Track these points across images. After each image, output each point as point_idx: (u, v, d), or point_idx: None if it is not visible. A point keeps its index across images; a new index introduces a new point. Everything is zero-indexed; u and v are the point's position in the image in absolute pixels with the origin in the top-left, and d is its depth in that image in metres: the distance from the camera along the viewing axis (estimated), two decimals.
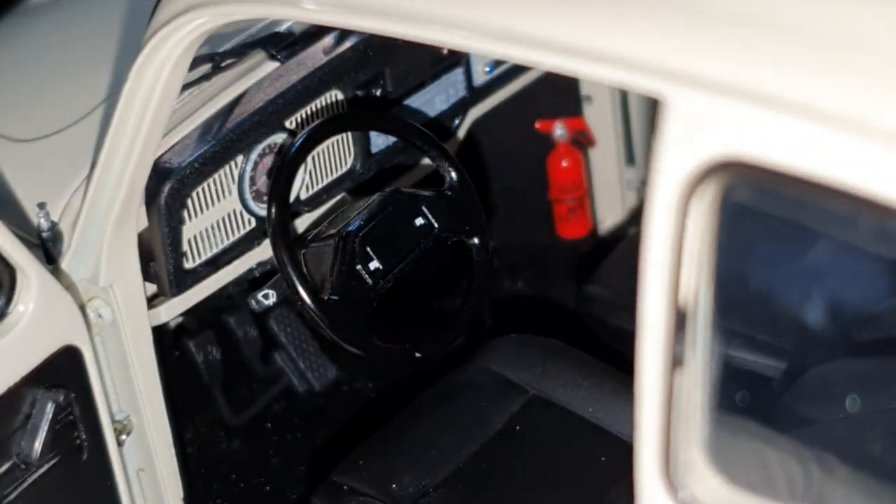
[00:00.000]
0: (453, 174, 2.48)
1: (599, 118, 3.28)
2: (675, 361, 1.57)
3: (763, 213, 1.51)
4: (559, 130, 3.25)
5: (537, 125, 3.25)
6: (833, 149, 1.41)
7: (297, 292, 2.29)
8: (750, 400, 1.59)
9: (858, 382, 1.54)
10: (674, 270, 1.54)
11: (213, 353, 2.83)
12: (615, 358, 2.64)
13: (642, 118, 3.37)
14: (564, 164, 3.29)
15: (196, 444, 2.66)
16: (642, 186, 3.41)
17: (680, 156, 1.51)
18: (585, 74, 1.57)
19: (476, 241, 2.51)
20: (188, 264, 2.39)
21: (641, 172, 3.40)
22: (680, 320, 1.56)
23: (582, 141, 3.30)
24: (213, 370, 2.82)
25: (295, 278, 2.29)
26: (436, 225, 2.45)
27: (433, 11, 1.68)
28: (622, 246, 2.95)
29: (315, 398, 2.93)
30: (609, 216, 3.41)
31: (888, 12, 1.42)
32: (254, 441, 2.81)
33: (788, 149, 1.44)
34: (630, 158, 3.39)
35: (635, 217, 3.38)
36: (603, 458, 2.39)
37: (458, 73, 2.77)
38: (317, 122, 2.38)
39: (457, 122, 2.82)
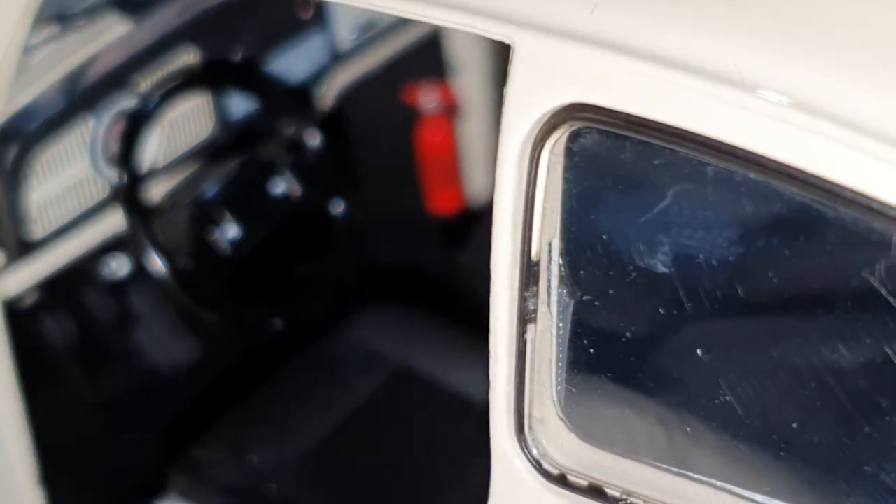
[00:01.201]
0: (317, 140, 2.43)
1: (469, 88, 3.24)
2: (528, 317, 1.54)
3: (611, 161, 1.49)
4: (427, 100, 3.21)
5: (405, 95, 3.20)
6: (678, 95, 1.39)
7: (150, 258, 2.22)
8: (602, 356, 1.56)
9: (710, 337, 1.52)
10: (524, 223, 1.51)
11: (69, 328, 2.74)
12: (483, 329, 2.61)
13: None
14: (433, 135, 3.24)
15: (51, 421, 2.57)
16: None
17: (528, 102, 1.49)
18: (435, 19, 1.53)
19: (338, 207, 2.46)
20: (37, 233, 2.30)
21: None
22: (531, 275, 1.53)
23: (451, 111, 3.26)
24: (69, 345, 2.73)
25: (147, 243, 2.22)
26: (298, 192, 2.40)
27: None
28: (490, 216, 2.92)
29: (175, 371, 2.84)
30: (480, 185, 3.38)
31: None
32: (112, 416, 2.72)
33: (635, 94, 1.42)
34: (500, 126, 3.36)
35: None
36: (467, 429, 2.36)
37: (319, 39, 2.71)
38: (169, 83, 2.31)
39: (322, 89, 2.76)
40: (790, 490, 1.48)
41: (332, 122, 2.70)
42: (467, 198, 3.38)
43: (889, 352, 1.39)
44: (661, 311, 1.54)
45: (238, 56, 2.53)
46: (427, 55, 2.95)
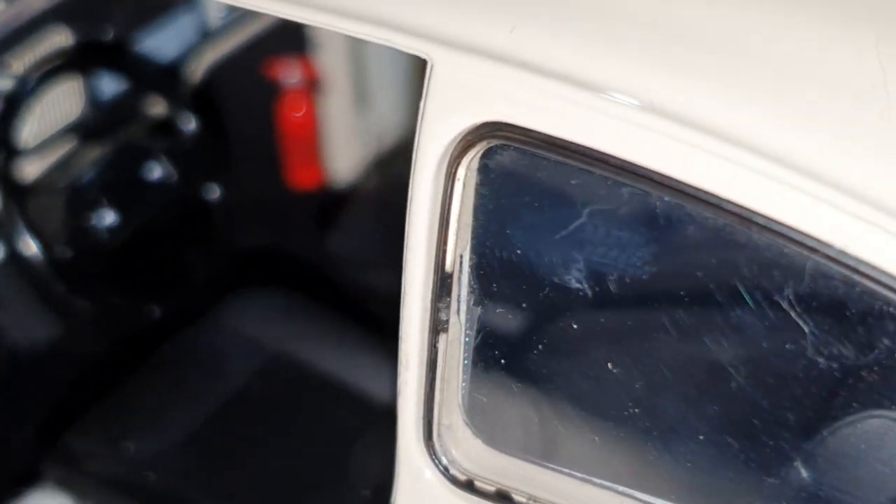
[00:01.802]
0: (192, 124, 2.40)
1: (332, 63, 3.23)
2: (440, 327, 1.57)
3: (521, 178, 1.52)
4: (288, 76, 3.19)
5: (266, 70, 3.17)
6: (589, 116, 1.43)
7: (26, 247, 2.17)
8: (507, 363, 1.60)
9: (613, 346, 1.58)
10: (439, 236, 1.53)
11: None
12: (355, 313, 2.63)
13: (378, 63, 3.34)
14: (294, 111, 3.22)
15: None
16: (374, 135, 3.40)
17: (444, 119, 1.51)
18: (352, 32, 1.53)
19: (215, 193, 2.44)
20: None
21: (375, 120, 3.38)
22: (445, 286, 1.55)
23: (313, 87, 3.24)
24: None
25: (24, 231, 2.17)
26: (174, 177, 2.37)
27: None
28: (359, 197, 2.94)
29: (40, 357, 2.78)
30: (343, 164, 3.38)
31: None
32: None
33: (549, 115, 1.45)
34: (363, 105, 3.36)
35: (371, 166, 3.37)
36: (344, 416, 2.39)
37: (190, 17, 2.67)
38: (46, 64, 2.25)
39: (190, 68, 2.72)
40: (695, 495, 1.55)
41: (203, 103, 2.67)
42: (329, 174, 3.38)
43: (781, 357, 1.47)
44: (565, 322, 1.59)
45: (109, 36, 2.48)
46: (290, 31, 2.93)
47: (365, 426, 2.38)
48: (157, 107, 2.51)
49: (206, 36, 2.74)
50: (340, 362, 2.46)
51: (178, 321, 2.50)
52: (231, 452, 2.35)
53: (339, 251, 2.76)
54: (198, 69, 2.74)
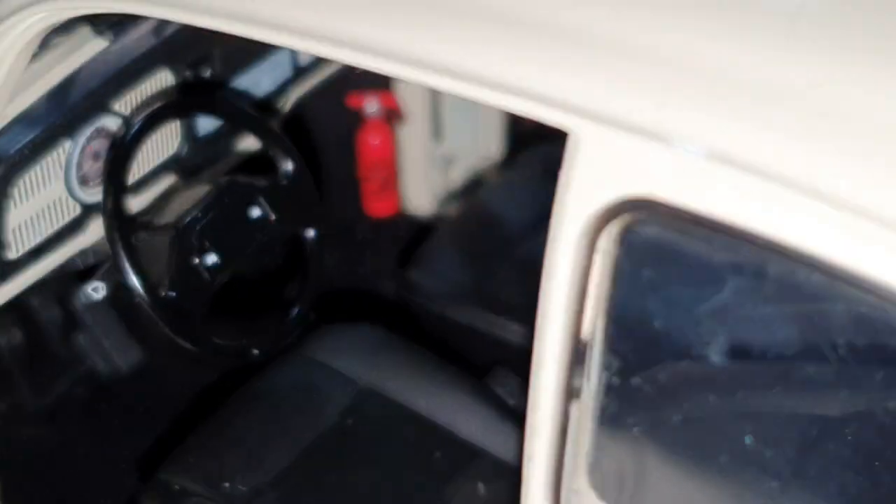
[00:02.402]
0: (290, 164, 2.42)
1: (409, 94, 3.26)
2: (572, 394, 1.58)
3: (661, 251, 1.54)
4: (370, 106, 3.22)
5: (348, 101, 3.20)
6: (740, 194, 1.44)
7: (135, 287, 2.19)
8: (637, 430, 1.62)
9: (743, 419, 1.59)
10: (576, 307, 1.54)
11: (15, 336, 2.69)
12: (438, 347, 2.65)
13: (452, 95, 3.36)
14: (374, 140, 3.26)
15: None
16: (449, 164, 3.42)
17: (587, 193, 1.52)
18: (493, 104, 1.55)
19: (311, 233, 2.47)
20: (11, 255, 2.25)
21: (448, 149, 3.41)
22: (578, 355, 1.57)
23: (392, 117, 3.27)
24: (14, 353, 2.68)
25: (132, 272, 2.19)
26: (272, 216, 2.39)
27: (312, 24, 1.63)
28: (439, 230, 2.96)
29: (121, 382, 2.82)
30: (416, 193, 3.41)
31: (810, 67, 1.45)
32: (58, 428, 2.69)
33: (694, 191, 1.46)
34: (438, 135, 3.39)
35: (445, 196, 3.39)
36: (436, 454, 2.40)
37: (284, 53, 2.69)
38: (155, 105, 2.27)
39: (281, 102, 2.75)
40: None
41: (295, 139, 2.70)
42: (405, 203, 3.42)
43: None
44: (694, 394, 1.61)
45: (209, 74, 2.50)
46: None
47: (454, 465, 2.40)
48: (253, 144, 2.53)
49: (298, 70, 2.76)
50: (430, 399, 2.47)
51: (270, 356, 2.53)
52: (325, 489, 2.37)
53: (421, 284, 2.77)
54: (288, 103, 2.77)
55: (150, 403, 2.79)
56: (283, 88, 2.73)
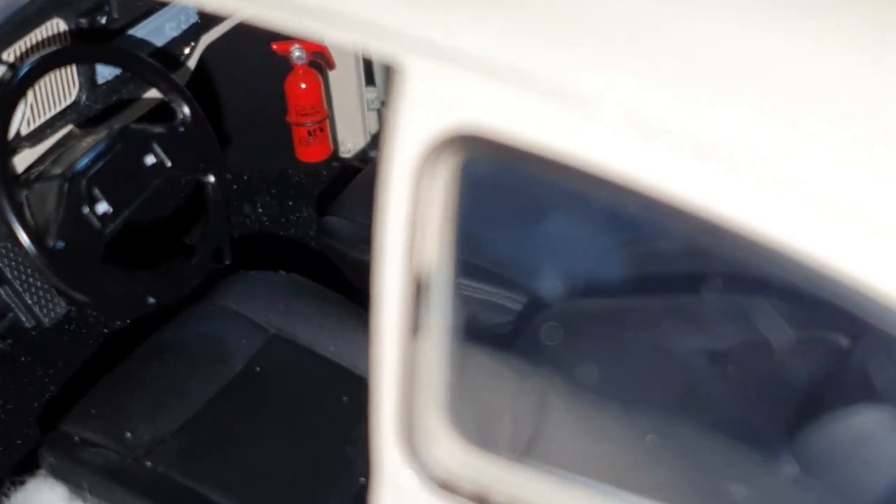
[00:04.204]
0: (185, 109, 2.41)
1: None
2: (414, 329, 1.58)
3: (497, 184, 1.53)
4: (297, 52, 3.20)
5: (274, 47, 3.18)
6: (563, 123, 1.42)
7: (20, 240, 2.19)
8: (486, 362, 1.62)
9: (592, 339, 1.59)
10: (411, 240, 1.53)
11: None
12: (356, 292, 2.64)
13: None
14: (303, 86, 3.24)
15: None
16: (383, 107, 3.41)
17: (416, 126, 1.50)
18: (324, 36, 1.53)
19: (211, 178, 2.45)
20: None
21: (382, 93, 3.39)
22: (418, 289, 1.56)
23: (321, 63, 3.25)
24: None
25: (17, 225, 2.19)
26: (168, 163, 2.38)
27: None
28: (362, 175, 2.94)
29: (44, 335, 2.82)
30: (350, 138, 3.40)
31: None
32: None
33: (521, 122, 1.44)
34: (370, 79, 3.37)
35: (376, 141, 3.38)
36: (345, 398, 2.40)
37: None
38: (37, 54, 2.26)
39: (188, 49, 2.73)
40: (683, 494, 1.56)
41: (201, 81, 2.68)
42: (336, 148, 3.41)
43: None
44: (545, 319, 1.60)
45: (105, 21, 2.49)
46: None
47: (363, 409, 2.39)
48: (152, 91, 2.52)
49: (205, 16, 2.74)
50: (340, 344, 2.46)
51: (175, 304, 2.52)
52: (230, 438, 2.36)
53: (340, 229, 2.76)
54: (197, 49, 2.75)
55: (70, 357, 2.80)
56: (189, 35, 2.71)
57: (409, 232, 1.54)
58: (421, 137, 1.49)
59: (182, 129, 2.38)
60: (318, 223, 2.91)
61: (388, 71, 3.07)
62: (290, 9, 1.52)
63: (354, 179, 2.94)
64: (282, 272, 2.61)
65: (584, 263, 1.58)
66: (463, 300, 1.57)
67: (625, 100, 1.37)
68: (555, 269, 1.58)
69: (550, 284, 1.60)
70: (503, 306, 1.73)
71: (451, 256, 1.56)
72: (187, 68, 2.69)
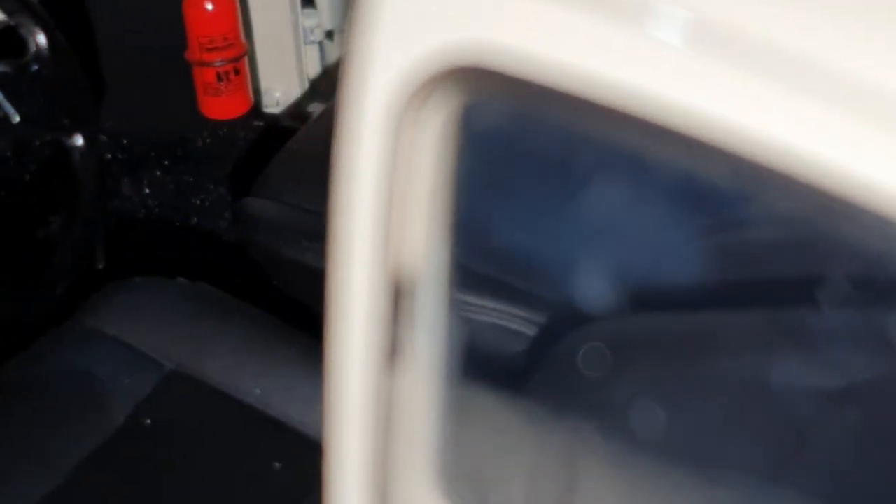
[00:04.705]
0: (41, 38, 2.40)
1: None
2: (391, 354, 1.58)
3: (512, 141, 1.52)
4: None
5: None
6: (611, 43, 1.41)
7: None
8: (492, 402, 1.62)
9: (643, 377, 1.61)
10: (386, 226, 1.53)
11: None
12: (290, 307, 2.65)
13: None
14: (209, 6, 3.25)
15: None
16: (327, 39, 3.42)
17: (393, 54, 1.48)
18: None
19: (79, 140, 2.45)
20: None
21: (323, 17, 3.40)
22: (396, 297, 1.56)
23: None
24: None
25: None
26: (15, 117, 2.38)
27: None
28: (296, 139, 2.95)
29: None
30: (278, 85, 3.41)
31: None
32: None
33: (548, 43, 1.43)
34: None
35: (318, 90, 3.39)
36: (276, 464, 2.40)
37: None
38: None
39: None
40: None
41: (60, 4, 2.68)
42: (259, 99, 3.41)
43: None
44: (578, 344, 1.60)
45: None
46: None
47: (310, 477, 2.40)
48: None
49: None
50: (268, 383, 2.48)
51: (34, 324, 2.52)
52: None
53: (263, 215, 2.77)
54: None
55: None
56: None
57: (383, 214, 1.52)
58: (400, 72, 1.47)
59: (36, 68, 2.37)
60: (232, 207, 2.92)
61: None
62: None
63: (286, 146, 2.95)
64: (181, 279, 2.61)
65: (641, 260, 1.59)
66: (462, 313, 1.57)
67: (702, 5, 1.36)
68: (597, 268, 1.58)
69: (590, 290, 1.60)
70: (519, 319, 1.74)
71: (445, 249, 1.55)
72: None
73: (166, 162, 3.35)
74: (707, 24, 1.33)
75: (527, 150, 1.52)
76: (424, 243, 1.55)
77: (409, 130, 1.51)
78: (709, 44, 1.33)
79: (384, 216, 1.53)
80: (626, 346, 1.65)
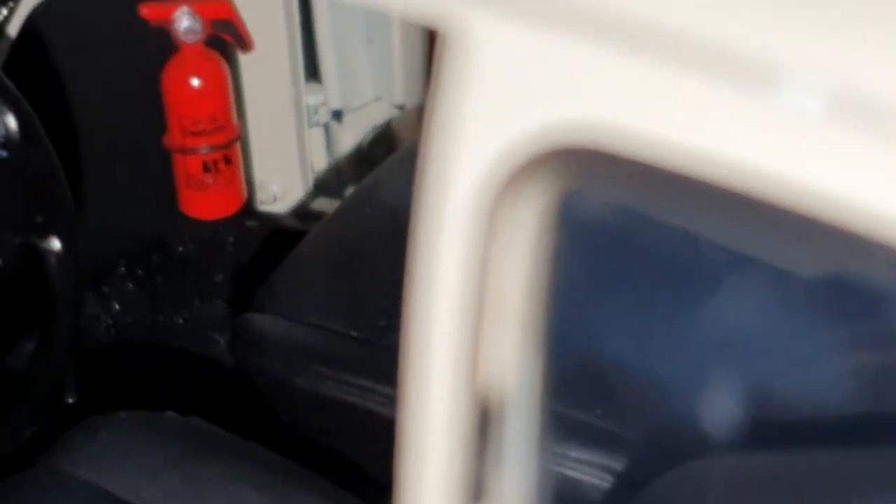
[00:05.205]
0: (11, 121, 2.45)
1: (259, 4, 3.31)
2: (476, 492, 1.62)
3: (622, 228, 1.58)
4: (186, 20, 3.24)
5: (145, 11, 3.23)
6: (740, 119, 1.46)
7: None
8: None
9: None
10: (475, 338, 1.58)
11: None
12: (296, 445, 2.68)
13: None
14: (195, 82, 3.28)
15: None
16: (335, 120, 3.46)
17: (485, 133, 1.55)
18: None
19: (55, 243, 2.48)
20: None
21: (329, 95, 3.45)
22: (483, 423, 1.60)
23: (227, 40, 3.30)
24: None
25: None
26: None
27: None
28: (305, 243, 2.99)
29: None
30: (276, 177, 3.44)
31: None
32: None
33: (668, 122, 1.48)
34: (313, 72, 3.43)
35: (324, 183, 3.43)
36: None
37: None
38: None
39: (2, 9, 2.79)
40: None
41: (22, 70, 2.73)
42: (252, 193, 3.45)
43: None
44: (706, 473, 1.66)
45: None
46: None
47: None
48: None
49: None
50: None
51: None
52: None
53: (266, 338, 2.82)
54: (13, 15, 2.81)
55: None
56: None
57: (470, 326, 1.58)
58: (492, 157, 1.54)
59: (4, 155, 2.42)
60: (230, 325, 2.95)
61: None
62: None
63: (294, 251, 2.98)
64: (170, 413, 2.64)
65: (764, 381, 1.63)
66: (563, 437, 1.62)
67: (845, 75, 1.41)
68: (713, 391, 1.64)
69: (702, 418, 1.65)
70: (613, 466, 1.79)
71: (540, 365, 1.60)
72: (4, 40, 2.74)
73: (140, 272, 3.35)
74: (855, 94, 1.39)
75: (636, 247, 1.58)
76: (516, 359, 1.59)
77: (499, 226, 1.57)
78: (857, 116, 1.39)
79: (470, 329, 1.58)
80: (735, 489, 1.69)
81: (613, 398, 1.69)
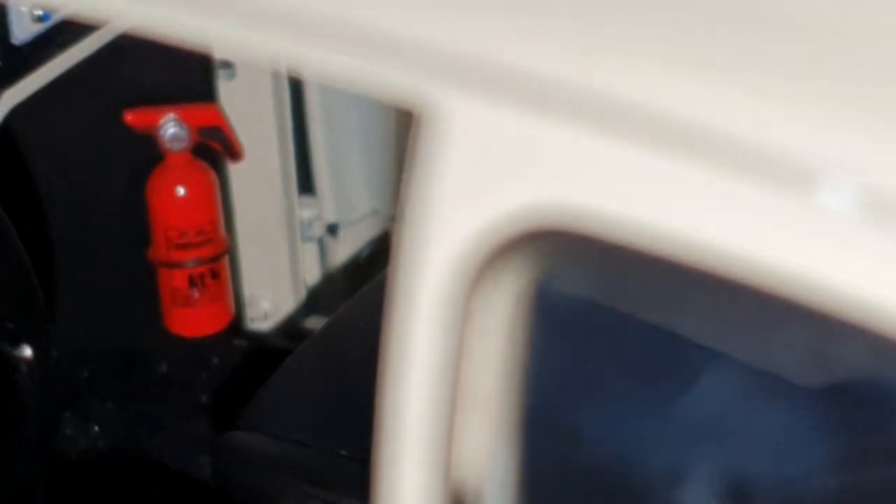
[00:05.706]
0: None
1: (250, 106, 3.39)
2: None
3: (606, 324, 1.65)
4: (172, 127, 3.29)
5: (129, 118, 3.29)
6: (742, 210, 1.52)
7: None
8: None
9: None
10: (449, 428, 1.64)
11: None
12: None
13: (326, 106, 3.46)
14: (181, 191, 3.32)
15: None
16: (329, 234, 3.51)
17: (460, 217, 1.61)
18: (296, 60, 1.65)
19: (27, 351, 2.53)
20: None
21: (322, 208, 3.51)
22: None
23: (216, 148, 3.36)
24: None
25: None
26: None
27: None
28: (292, 361, 3.04)
29: None
30: (266, 293, 3.50)
31: None
32: None
33: (654, 205, 1.53)
34: (306, 184, 3.51)
35: (317, 300, 3.47)
36: None
37: None
38: None
39: None
40: None
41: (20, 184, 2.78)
42: (241, 309, 3.50)
43: None
44: None
45: None
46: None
47: None
48: None
49: (13, 52, 2.88)
50: None
51: None
52: None
53: (253, 457, 2.86)
54: None
55: None
56: None
57: (443, 416, 1.63)
58: (466, 237, 1.59)
59: None
60: (213, 444, 2.99)
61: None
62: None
63: (282, 365, 3.02)
64: None
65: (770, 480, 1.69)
66: None
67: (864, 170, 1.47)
68: (711, 486, 1.69)
69: None
70: None
71: (516, 456, 1.66)
72: None
73: (120, 390, 3.37)
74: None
75: (618, 334, 1.63)
76: (491, 448, 1.64)
77: (473, 312, 1.63)
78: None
79: (445, 416, 1.65)
80: None
81: (591, 491, 1.73)
